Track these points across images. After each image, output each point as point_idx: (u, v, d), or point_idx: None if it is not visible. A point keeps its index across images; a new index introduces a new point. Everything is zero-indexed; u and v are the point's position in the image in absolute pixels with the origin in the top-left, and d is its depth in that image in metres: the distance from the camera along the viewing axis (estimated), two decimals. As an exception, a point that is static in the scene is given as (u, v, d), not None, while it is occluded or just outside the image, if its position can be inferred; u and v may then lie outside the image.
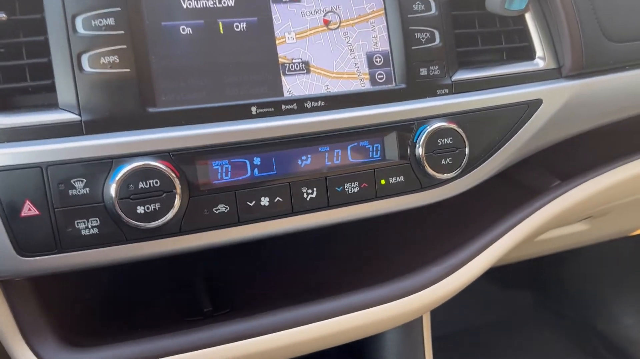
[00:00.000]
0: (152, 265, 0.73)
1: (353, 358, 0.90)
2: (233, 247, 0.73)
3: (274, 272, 0.78)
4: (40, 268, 0.57)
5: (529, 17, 0.76)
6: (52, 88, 0.57)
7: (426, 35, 0.69)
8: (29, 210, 0.55)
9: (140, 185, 0.57)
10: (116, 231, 0.58)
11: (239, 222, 0.62)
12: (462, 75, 0.71)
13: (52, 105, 0.57)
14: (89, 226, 0.57)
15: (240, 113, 0.62)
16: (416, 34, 0.68)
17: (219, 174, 0.61)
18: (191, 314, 0.70)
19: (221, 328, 0.66)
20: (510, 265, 1.50)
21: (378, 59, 0.68)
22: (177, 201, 0.58)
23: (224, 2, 0.62)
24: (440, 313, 1.73)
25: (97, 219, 0.57)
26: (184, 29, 0.60)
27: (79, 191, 0.56)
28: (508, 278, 1.78)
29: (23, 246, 0.56)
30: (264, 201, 0.62)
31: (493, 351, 1.63)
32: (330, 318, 0.70)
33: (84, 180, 0.56)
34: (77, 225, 0.56)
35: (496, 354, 1.62)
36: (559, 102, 0.76)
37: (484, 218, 0.83)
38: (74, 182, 0.56)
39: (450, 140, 0.68)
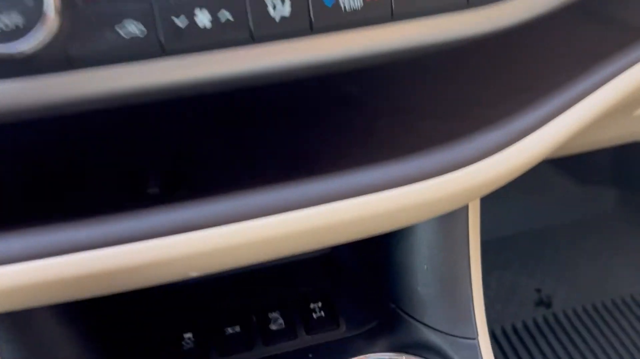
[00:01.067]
0: (80, 132, 0.52)
1: (369, 261, 0.69)
2: (193, 110, 0.52)
3: (254, 144, 0.56)
4: None
5: None
6: None
7: None
8: None
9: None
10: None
11: (164, 53, 0.39)
12: None
13: None
14: None
15: None
16: None
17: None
18: (131, 198, 0.49)
19: (169, 213, 0.45)
20: (589, 155, 1.21)
21: None
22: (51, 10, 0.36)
23: None
24: (502, 210, 1.49)
25: None
26: None
27: None
28: (586, 171, 1.49)
29: None
30: (203, 18, 0.39)
31: (566, 254, 1.38)
32: (334, 201, 0.47)
33: None
34: None
35: (570, 259, 1.38)
36: None
37: (566, 67, 0.56)
38: None
39: None
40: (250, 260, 0.50)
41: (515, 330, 1.23)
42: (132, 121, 0.54)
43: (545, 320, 1.26)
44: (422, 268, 0.61)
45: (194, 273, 0.47)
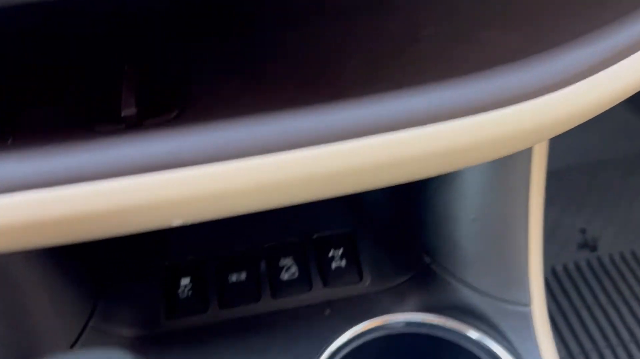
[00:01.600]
0: (31, 32, 0.41)
1: (402, 203, 0.58)
2: (179, 10, 0.40)
3: (262, 55, 0.43)
4: None
5: None
6: None
7: None
8: None
9: None
10: None
11: None
12: None
13: None
14: None
15: None
16: None
17: None
18: (103, 120, 0.38)
19: (148, 144, 0.34)
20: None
21: None
22: None
23: None
24: (550, 141, 1.34)
25: None
26: None
27: None
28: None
29: None
30: None
31: (617, 192, 1.25)
32: (365, 135, 0.35)
33: None
34: None
35: (621, 197, 1.25)
36: None
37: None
38: None
39: None
40: (252, 209, 0.40)
41: (554, 273, 1.13)
42: (100, 18, 0.42)
43: (589, 264, 1.15)
44: (467, 219, 0.49)
45: (177, 222, 0.36)
